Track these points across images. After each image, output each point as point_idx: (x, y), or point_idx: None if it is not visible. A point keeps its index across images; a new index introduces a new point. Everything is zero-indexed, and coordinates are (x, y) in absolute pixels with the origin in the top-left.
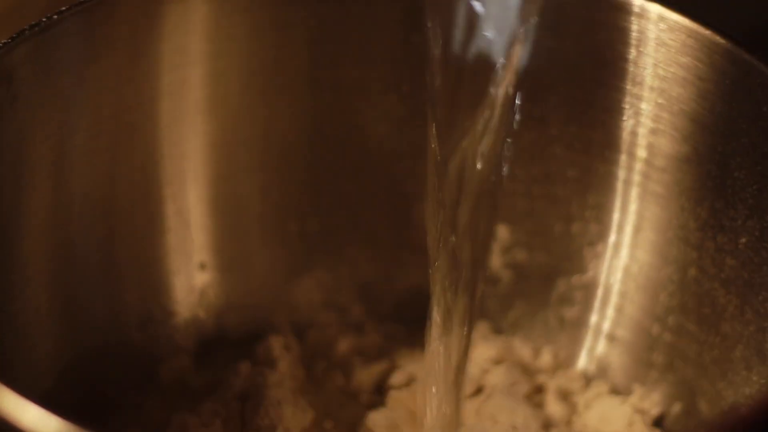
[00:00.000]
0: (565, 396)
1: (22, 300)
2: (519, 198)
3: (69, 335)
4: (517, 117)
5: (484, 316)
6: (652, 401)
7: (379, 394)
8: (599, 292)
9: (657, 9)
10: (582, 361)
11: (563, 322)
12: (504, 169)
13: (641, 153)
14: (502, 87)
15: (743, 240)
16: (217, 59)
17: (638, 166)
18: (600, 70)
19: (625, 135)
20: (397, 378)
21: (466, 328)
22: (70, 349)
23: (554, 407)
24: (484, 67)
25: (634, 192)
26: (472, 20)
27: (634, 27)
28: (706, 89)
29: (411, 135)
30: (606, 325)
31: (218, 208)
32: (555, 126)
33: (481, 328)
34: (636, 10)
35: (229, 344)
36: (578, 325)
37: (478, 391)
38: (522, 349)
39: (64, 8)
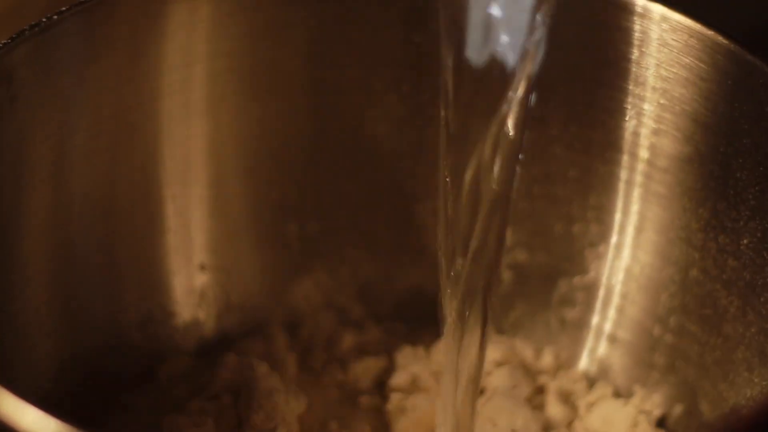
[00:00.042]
0: (566, 398)
1: (22, 300)
2: (520, 198)
3: (69, 335)
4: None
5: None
6: (654, 402)
7: (380, 392)
8: (600, 293)
9: (660, 9)
10: (583, 363)
11: (564, 323)
12: (515, 176)
13: (643, 153)
14: (517, 92)
15: (745, 241)
16: (217, 59)
17: (640, 166)
18: (602, 70)
19: (627, 135)
20: (399, 378)
21: (479, 339)
22: (70, 350)
23: (555, 409)
24: (499, 72)
25: (636, 192)
26: (487, 24)
27: (637, 27)
28: (708, 90)
29: (411, 135)
30: (607, 326)
31: (218, 209)
32: (556, 126)
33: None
34: (639, 10)
35: (228, 345)
36: (579, 326)
37: (480, 393)
38: (524, 350)
39: (64, 8)
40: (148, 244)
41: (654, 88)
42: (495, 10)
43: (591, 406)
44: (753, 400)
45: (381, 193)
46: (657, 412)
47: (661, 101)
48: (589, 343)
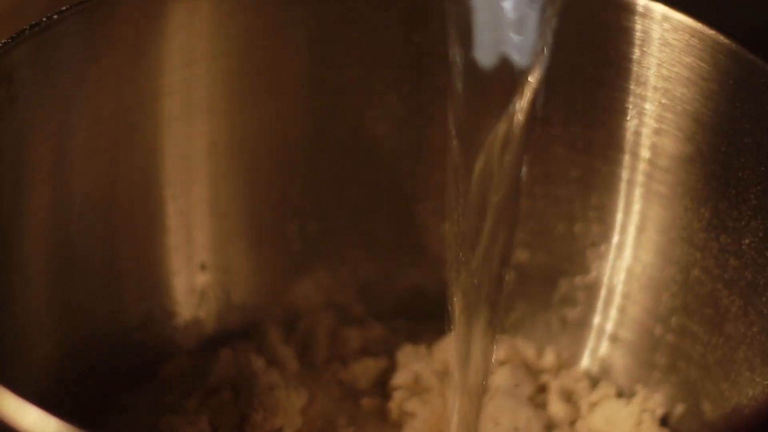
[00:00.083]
0: (568, 396)
1: (22, 300)
2: (521, 198)
3: (69, 335)
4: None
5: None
6: (655, 402)
7: (382, 390)
8: (602, 293)
9: (661, 9)
10: (585, 362)
11: (566, 323)
12: (522, 174)
13: (644, 153)
14: (526, 92)
15: (747, 241)
16: (217, 59)
17: (641, 166)
18: (603, 70)
19: (629, 135)
20: (400, 378)
21: (487, 335)
22: (70, 349)
23: (557, 408)
24: (508, 72)
25: (638, 192)
26: (496, 24)
27: (638, 27)
28: (709, 89)
29: (411, 135)
30: (609, 326)
31: (218, 209)
32: (557, 126)
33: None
34: (640, 9)
35: (229, 344)
36: (581, 326)
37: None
38: (525, 349)
39: (64, 8)
40: (148, 244)
41: (655, 88)
42: (506, 10)
43: (594, 405)
44: (755, 399)
45: (381, 193)
46: (659, 412)
47: (663, 101)
48: (590, 342)
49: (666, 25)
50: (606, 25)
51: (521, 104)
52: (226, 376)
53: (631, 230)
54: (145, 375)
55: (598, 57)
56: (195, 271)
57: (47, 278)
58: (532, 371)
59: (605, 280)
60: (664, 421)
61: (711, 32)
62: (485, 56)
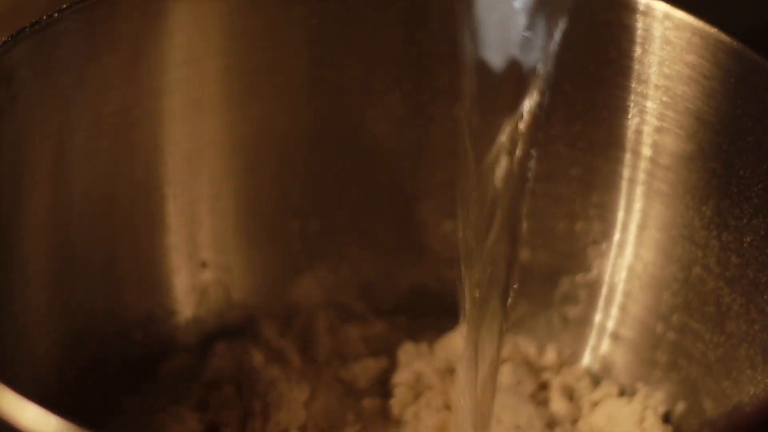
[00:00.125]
0: (569, 393)
1: (22, 300)
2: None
3: (69, 335)
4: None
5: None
6: (657, 400)
7: (383, 388)
8: (603, 291)
9: (662, 7)
10: (586, 360)
11: (567, 321)
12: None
13: (646, 151)
14: (534, 90)
15: (748, 239)
16: (218, 58)
17: (643, 164)
18: (604, 68)
19: (630, 133)
20: (401, 376)
21: (498, 332)
22: (70, 349)
23: (559, 405)
24: (518, 71)
25: (639, 190)
26: (507, 19)
27: (640, 25)
28: (711, 87)
29: (412, 134)
30: (610, 324)
31: (219, 207)
32: (558, 124)
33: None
34: (641, 8)
35: (230, 343)
36: (582, 324)
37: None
38: (527, 347)
39: (64, 6)
40: (148, 243)
41: (657, 86)
42: (517, 10)
43: (596, 403)
44: (756, 397)
45: (382, 192)
46: (660, 410)
47: (664, 99)
48: (591, 340)
49: (667, 24)
50: (607, 23)
51: (530, 102)
52: (225, 370)
53: (633, 228)
54: (145, 373)
55: (600, 55)
56: (196, 269)
57: (47, 278)
58: (533, 369)
59: (606, 278)
60: (665, 419)
61: (712, 30)
62: (495, 55)
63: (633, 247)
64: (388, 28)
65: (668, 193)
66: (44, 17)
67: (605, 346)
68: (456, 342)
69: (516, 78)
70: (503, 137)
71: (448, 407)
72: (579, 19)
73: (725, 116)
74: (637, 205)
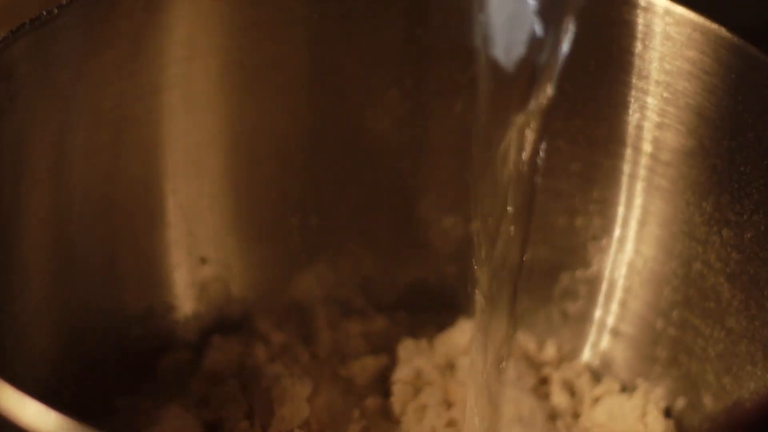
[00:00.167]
0: (570, 387)
1: (21, 298)
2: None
3: (69, 332)
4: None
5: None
6: (657, 396)
7: (383, 385)
8: (603, 287)
9: (663, 3)
10: (586, 356)
11: (567, 317)
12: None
13: (646, 147)
14: (546, 84)
15: (749, 235)
16: (218, 54)
17: (643, 160)
18: (605, 64)
19: (631, 129)
20: (401, 373)
21: (509, 323)
22: (70, 346)
23: (560, 398)
24: (529, 68)
25: (639, 186)
26: (519, 16)
27: (640, 21)
28: (712, 83)
29: (412, 131)
30: (610, 320)
31: (219, 203)
32: (559, 120)
33: None
34: (642, 3)
35: (229, 338)
36: (582, 320)
37: None
38: (527, 342)
39: (64, 2)
40: (148, 239)
41: (657, 82)
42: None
43: (597, 399)
44: (757, 393)
45: (381, 188)
46: (660, 405)
47: (665, 95)
48: (591, 336)
49: (668, 19)
50: (608, 19)
51: (540, 99)
52: (224, 364)
53: (633, 224)
54: (145, 369)
55: (600, 51)
56: (195, 265)
57: (47, 277)
58: (533, 364)
59: (606, 273)
60: (665, 414)
61: (713, 26)
62: (505, 53)
63: (633, 242)
64: (388, 26)
65: (669, 189)
66: (44, 13)
67: (605, 341)
68: (456, 337)
69: (527, 75)
70: (513, 133)
71: (448, 403)
72: (579, 13)
73: (726, 112)
74: (638, 200)
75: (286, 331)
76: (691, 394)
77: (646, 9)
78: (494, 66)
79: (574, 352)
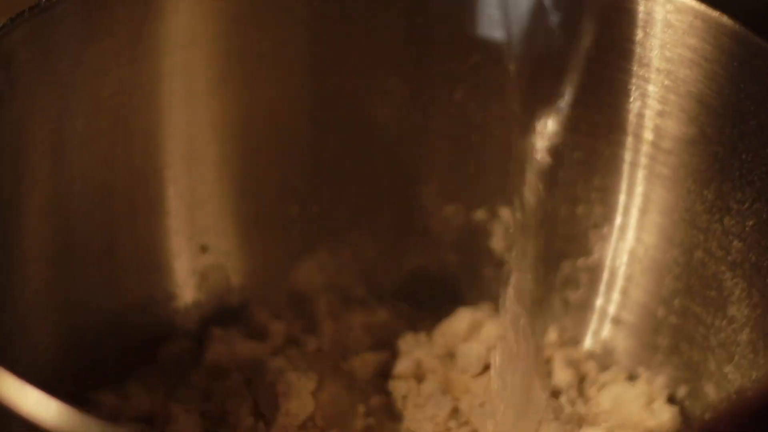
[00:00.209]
0: (573, 365)
1: (20, 288)
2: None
3: (69, 320)
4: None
5: (488, 297)
6: (658, 384)
7: (384, 380)
8: (604, 275)
9: None
10: (587, 344)
11: (568, 305)
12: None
13: (648, 135)
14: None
15: (750, 223)
16: (217, 41)
17: (645, 148)
18: (606, 52)
19: (632, 117)
20: (402, 366)
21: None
22: (71, 334)
23: (561, 376)
24: (554, 53)
25: (641, 174)
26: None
27: (641, 8)
28: (713, 71)
29: (413, 117)
30: (611, 308)
31: (219, 190)
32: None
33: (486, 308)
34: None
35: (230, 326)
36: (583, 308)
37: (486, 368)
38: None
39: None
40: (148, 227)
41: (658, 70)
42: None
43: (602, 386)
44: (758, 382)
45: (383, 176)
46: (663, 393)
47: (666, 82)
48: (593, 324)
49: (669, 7)
50: (609, 6)
51: (565, 96)
52: (225, 356)
53: (634, 212)
54: (145, 358)
55: (601, 39)
56: (195, 253)
57: (46, 265)
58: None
59: (608, 262)
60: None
61: (714, 14)
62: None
63: (634, 231)
64: (390, 10)
65: (670, 177)
66: (42, 0)
67: (606, 330)
68: (456, 326)
69: (550, 70)
70: (539, 127)
71: (449, 391)
72: (580, 1)
73: (727, 100)
74: (639, 188)
75: (287, 321)
76: (693, 382)
77: None
78: (521, 58)
79: (576, 341)
